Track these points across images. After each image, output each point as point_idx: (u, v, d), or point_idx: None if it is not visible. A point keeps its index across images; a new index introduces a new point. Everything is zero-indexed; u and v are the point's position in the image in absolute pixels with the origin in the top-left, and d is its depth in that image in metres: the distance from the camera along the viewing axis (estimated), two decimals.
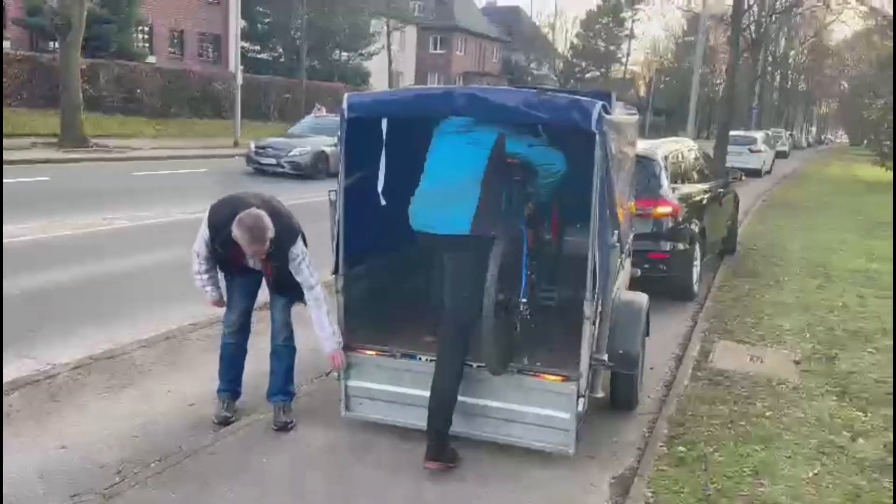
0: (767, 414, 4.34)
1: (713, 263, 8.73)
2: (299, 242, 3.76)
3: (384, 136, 3.62)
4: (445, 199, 3.51)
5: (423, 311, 4.11)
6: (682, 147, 8.10)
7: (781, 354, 5.59)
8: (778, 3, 33.87)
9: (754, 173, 23.76)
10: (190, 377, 4.71)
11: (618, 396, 4.29)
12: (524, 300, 3.86)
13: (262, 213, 3.58)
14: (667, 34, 61.76)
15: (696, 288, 7.34)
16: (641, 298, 4.38)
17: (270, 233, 3.56)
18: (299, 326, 4.07)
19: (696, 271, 7.30)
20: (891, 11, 29.42)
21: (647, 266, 6.33)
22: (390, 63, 41.34)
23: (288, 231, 3.73)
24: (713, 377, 4.98)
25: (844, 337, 6.08)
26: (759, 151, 26.05)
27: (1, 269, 6.44)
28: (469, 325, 3.55)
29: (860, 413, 4.46)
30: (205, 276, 3.97)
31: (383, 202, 3.66)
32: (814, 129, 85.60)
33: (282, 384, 4.07)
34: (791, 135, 51.42)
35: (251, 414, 4.16)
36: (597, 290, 3.42)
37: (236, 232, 3.52)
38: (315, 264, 3.81)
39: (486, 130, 3.49)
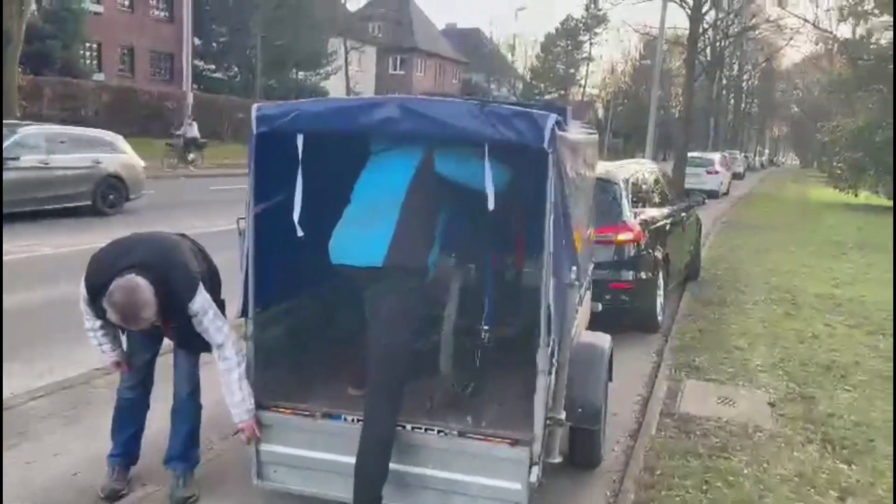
0: (745, 471, 3.84)
1: (677, 290, 8.33)
2: (199, 297, 3.08)
3: (300, 155, 3.05)
4: (363, 226, 3.00)
5: (350, 359, 3.52)
6: (643, 169, 7.71)
7: (754, 395, 5.13)
8: (732, 27, 34.57)
9: (712, 194, 23.77)
10: (86, 436, 4.03)
11: (578, 454, 3.75)
12: (486, 327, 3.57)
13: (139, 283, 2.89)
14: (624, 57, 62.63)
15: (660, 318, 6.90)
16: (603, 341, 3.87)
17: (148, 312, 2.90)
18: (209, 374, 3.45)
19: (660, 301, 6.87)
20: (842, 34, 30.14)
21: (608, 297, 5.87)
22: (348, 83, 40.86)
23: (184, 286, 3.06)
24: (683, 424, 4.48)
25: (818, 372, 5.67)
26: (716, 172, 26.17)
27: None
28: (398, 380, 2.99)
29: (845, 465, 4.00)
30: (99, 333, 3.30)
31: (300, 232, 3.09)
32: (766, 151, 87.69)
33: (182, 449, 3.43)
34: (745, 156, 52.33)
35: (147, 484, 3.51)
36: (552, 336, 2.89)
37: (107, 307, 2.90)
38: (221, 317, 3.20)
39: (413, 146, 2.98)
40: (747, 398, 5.05)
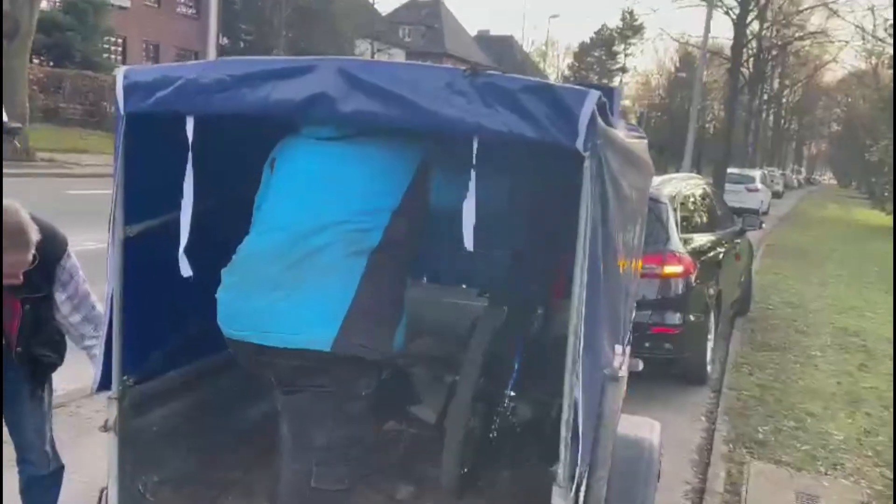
0: None
1: (724, 328, 7.08)
2: (72, 256, 2.36)
3: (190, 148, 1.94)
4: (285, 278, 1.87)
5: (261, 464, 2.40)
6: (690, 185, 6.48)
7: (841, 487, 3.91)
8: (776, 38, 33.01)
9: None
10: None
11: None
12: (512, 393, 2.74)
13: (16, 204, 2.16)
14: (659, 68, 61.04)
15: (709, 368, 5.67)
16: (651, 433, 2.70)
17: (35, 234, 2.15)
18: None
19: (710, 347, 5.64)
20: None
21: (647, 345, 4.71)
22: None
23: (58, 240, 2.31)
24: None
25: None
26: (756, 190, 24.69)
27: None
28: None
29: None
30: None
31: (186, 272, 1.98)
32: (803, 170, 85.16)
33: None
34: (783, 174, 50.40)
35: None
36: (578, 468, 1.74)
37: None
38: None
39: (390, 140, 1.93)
40: (833, 493, 3.82)
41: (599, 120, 1.65)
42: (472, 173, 1.76)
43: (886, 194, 25.37)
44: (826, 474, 4.06)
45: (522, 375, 2.79)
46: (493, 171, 1.92)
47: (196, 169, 1.94)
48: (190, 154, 1.94)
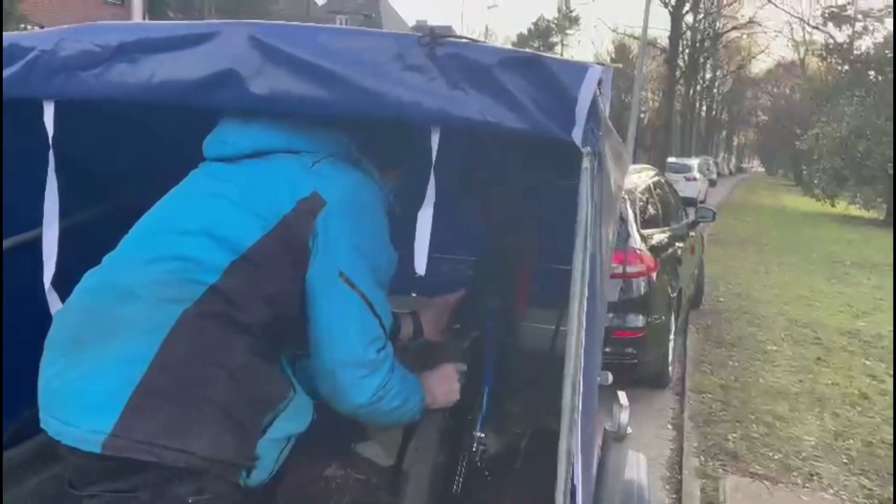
0: None
1: (681, 323, 6.87)
2: None
3: (51, 147, 1.45)
4: (87, 333, 1.31)
5: None
6: (645, 178, 6.21)
7: (821, 501, 3.66)
8: (710, 30, 33.64)
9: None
10: None
11: None
12: (481, 435, 2.19)
13: None
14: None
15: (670, 369, 5.41)
16: (639, 473, 2.32)
17: None
18: None
19: (671, 348, 5.37)
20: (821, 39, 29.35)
21: (608, 350, 4.36)
22: None
23: None
24: None
25: (888, 457, 4.22)
26: (694, 179, 25.04)
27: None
28: None
29: None
30: None
31: (55, 306, 1.49)
32: (733, 158, 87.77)
33: None
34: (716, 163, 51.67)
35: None
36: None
37: None
38: None
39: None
40: None
41: (602, 105, 1.25)
42: (432, 176, 1.33)
43: (816, 181, 26.13)
44: (804, 486, 3.81)
45: (490, 405, 2.39)
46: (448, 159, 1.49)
47: (76, 167, 1.46)
48: (51, 153, 1.45)
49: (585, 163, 1.22)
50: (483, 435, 2.26)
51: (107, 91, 1.39)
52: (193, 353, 1.25)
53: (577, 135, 1.19)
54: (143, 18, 28.88)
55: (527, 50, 1.28)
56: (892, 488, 3.82)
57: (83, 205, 1.74)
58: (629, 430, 2.25)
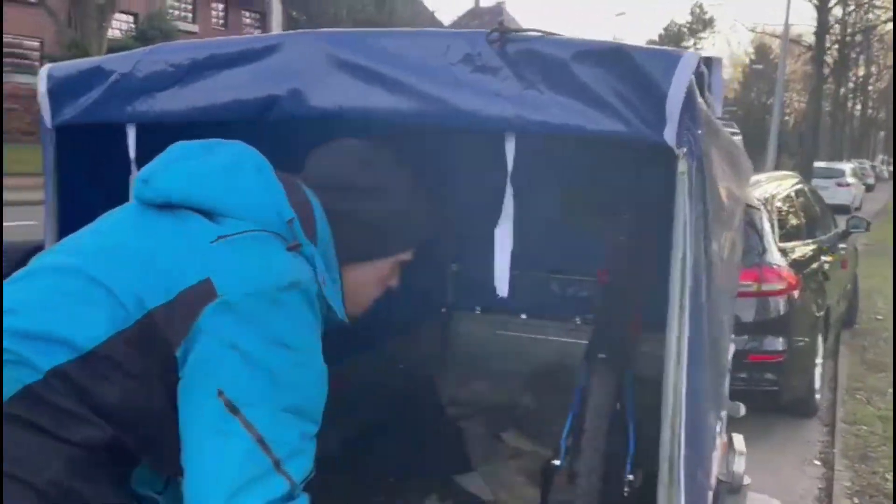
0: None
1: (831, 345, 6.20)
2: None
3: (133, 171, 1.45)
4: None
5: None
6: (786, 185, 5.66)
7: None
8: (862, 22, 30.98)
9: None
10: None
11: None
12: (630, 477, 2.15)
13: None
14: (732, 62, 58.55)
15: (818, 397, 4.86)
16: None
17: None
18: None
19: (818, 374, 4.83)
20: None
21: (744, 376, 4.00)
22: None
23: None
24: None
25: None
26: (847, 185, 23.01)
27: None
28: None
29: None
30: None
31: None
32: (891, 161, 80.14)
33: None
34: (873, 166, 47.31)
35: None
36: None
37: None
38: None
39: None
40: None
41: (700, 99, 1.07)
42: (508, 188, 1.20)
43: None
44: None
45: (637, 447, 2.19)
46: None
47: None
48: (132, 176, 1.45)
49: (682, 166, 1.05)
50: (633, 477, 2.09)
51: (181, 110, 1.38)
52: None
53: (668, 134, 1.02)
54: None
55: (604, 41, 1.12)
56: None
57: None
58: (746, 479, 1.97)
